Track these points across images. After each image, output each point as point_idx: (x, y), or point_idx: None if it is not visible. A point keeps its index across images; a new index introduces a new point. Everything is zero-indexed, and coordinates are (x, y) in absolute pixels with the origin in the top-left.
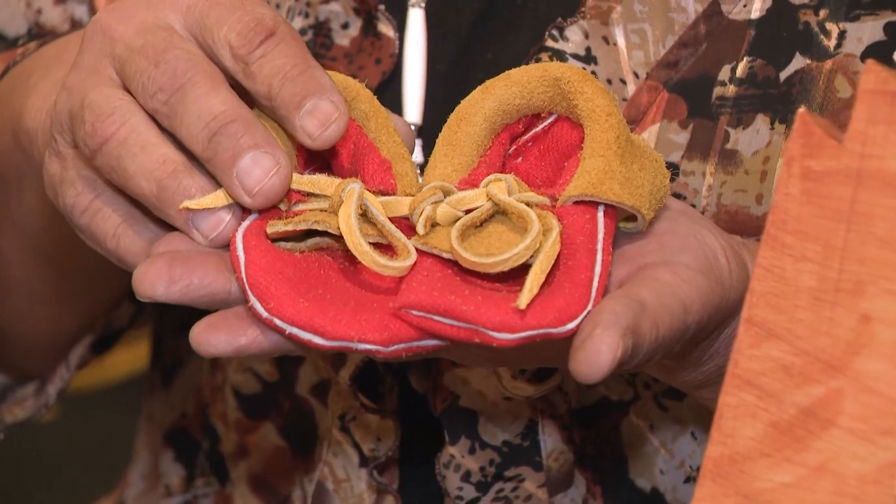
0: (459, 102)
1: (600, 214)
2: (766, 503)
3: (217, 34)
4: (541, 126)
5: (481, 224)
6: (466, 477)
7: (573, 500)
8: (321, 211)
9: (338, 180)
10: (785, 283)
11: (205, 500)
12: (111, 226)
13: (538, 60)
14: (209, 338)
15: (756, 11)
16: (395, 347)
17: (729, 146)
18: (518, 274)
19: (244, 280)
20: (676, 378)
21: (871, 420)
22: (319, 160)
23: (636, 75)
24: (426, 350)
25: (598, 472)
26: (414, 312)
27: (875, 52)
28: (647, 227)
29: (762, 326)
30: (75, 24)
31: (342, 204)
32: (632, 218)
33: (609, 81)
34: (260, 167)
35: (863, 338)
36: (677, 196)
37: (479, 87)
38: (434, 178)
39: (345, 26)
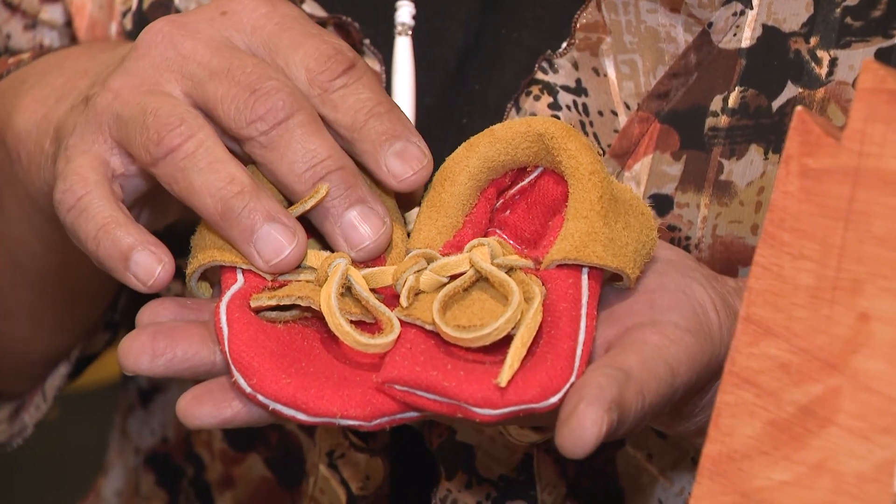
0: (448, 133)
1: (584, 277)
2: (765, 501)
3: (292, 57)
4: (527, 180)
5: (466, 289)
6: None
7: None
8: (307, 282)
9: (325, 253)
10: (783, 281)
11: None
12: (93, 228)
13: (528, 94)
14: (194, 411)
15: (746, 40)
16: (378, 421)
17: (723, 177)
18: (503, 343)
19: (227, 355)
20: (670, 429)
21: (870, 418)
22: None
23: (627, 106)
24: (410, 420)
25: None
26: (397, 387)
27: None
28: (636, 283)
29: (760, 324)
30: (44, 51)
31: (326, 280)
32: (618, 277)
33: (600, 113)
34: (368, 223)
35: (861, 336)
36: (672, 228)
37: (462, 145)
38: (419, 242)
39: None
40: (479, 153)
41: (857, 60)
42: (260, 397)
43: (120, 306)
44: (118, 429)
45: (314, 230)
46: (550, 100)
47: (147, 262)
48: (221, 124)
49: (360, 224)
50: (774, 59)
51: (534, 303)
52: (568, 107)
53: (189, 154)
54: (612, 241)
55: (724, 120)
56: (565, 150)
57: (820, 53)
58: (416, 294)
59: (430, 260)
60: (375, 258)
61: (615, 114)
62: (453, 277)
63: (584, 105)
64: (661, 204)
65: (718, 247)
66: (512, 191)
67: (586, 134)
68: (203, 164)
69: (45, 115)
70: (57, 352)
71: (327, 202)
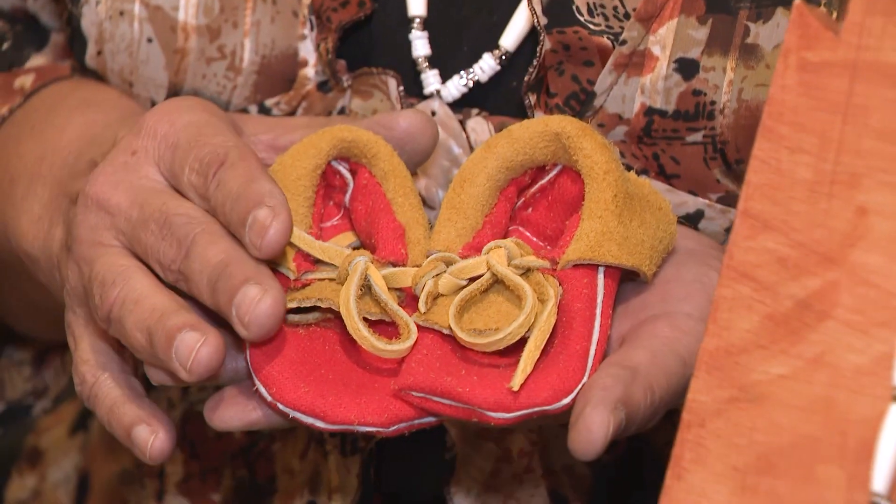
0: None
1: (600, 276)
2: (762, 395)
3: (182, 180)
4: (546, 178)
5: (484, 291)
6: None
7: None
8: (329, 280)
9: (346, 251)
10: (781, 174)
11: (201, 406)
12: (103, 413)
13: None
14: (221, 414)
15: None
16: (396, 427)
17: (749, 40)
18: (518, 345)
19: (248, 364)
20: None
21: (868, 312)
22: (341, 211)
23: None
24: (428, 425)
25: None
26: (414, 393)
27: None
28: (653, 276)
29: (758, 218)
30: None
31: (346, 280)
32: (636, 273)
33: None
34: (248, 298)
35: (859, 230)
36: (697, 93)
37: (481, 146)
38: (439, 244)
39: None
40: (497, 154)
41: None
42: (280, 406)
43: None
44: None
45: (349, 225)
46: None
47: (142, 437)
48: (159, 275)
49: (242, 301)
50: None
51: (547, 305)
52: None
53: (121, 303)
54: (627, 239)
55: None
56: (581, 150)
57: None
58: (435, 298)
59: (448, 263)
60: (267, 330)
61: None
62: (472, 279)
63: None
64: (687, 68)
65: (744, 111)
66: (532, 189)
67: None
68: (131, 306)
69: (44, 242)
70: None
71: (221, 298)
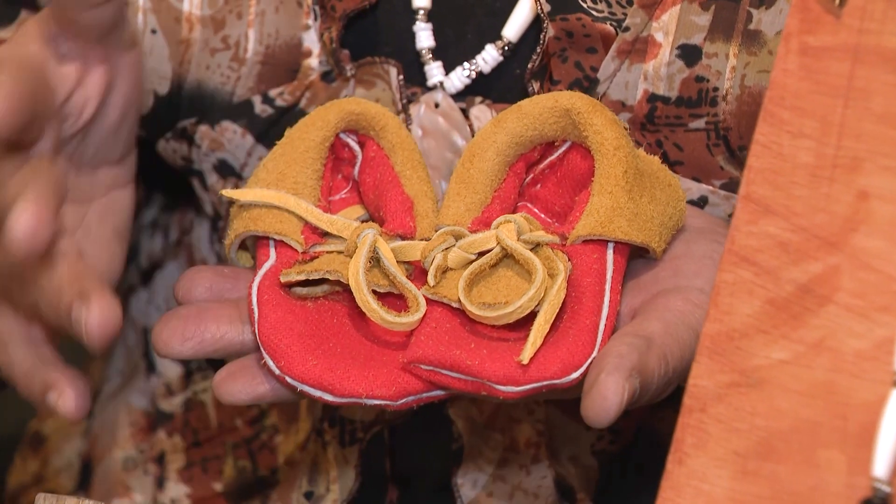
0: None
1: (609, 252)
2: (763, 380)
3: None
4: (555, 154)
5: (493, 266)
6: None
7: None
8: (338, 253)
9: (355, 223)
10: (782, 159)
11: (204, 395)
12: (24, 381)
13: None
14: (229, 387)
15: None
16: (404, 400)
17: (752, 27)
18: (527, 319)
19: (257, 337)
20: None
21: (869, 296)
22: (349, 184)
23: None
24: (436, 398)
25: None
26: (423, 366)
27: None
28: (663, 252)
29: (759, 203)
30: None
31: (355, 252)
32: (645, 249)
33: None
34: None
35: (860, 214)
36: (700, 79)
37: (490, 121)
38: (448, 219)
39: None
40: (506, 129)
41: None
42: (288, 379)
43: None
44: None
45: (358, 198)
46: None
47: (53, 401)
48: None
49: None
50: None
51: (557, 279)
52: None
53: None
54: (637, 215)
55: None
56: (591, 126)
57: None
58: (444, 272)
59: (458, 237)
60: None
61: None
62: (481, 254)
63: None
64: (690, 54)
65: (746, 98)
66: (541, 165)
67: None
68: None
69: None
70: None
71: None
